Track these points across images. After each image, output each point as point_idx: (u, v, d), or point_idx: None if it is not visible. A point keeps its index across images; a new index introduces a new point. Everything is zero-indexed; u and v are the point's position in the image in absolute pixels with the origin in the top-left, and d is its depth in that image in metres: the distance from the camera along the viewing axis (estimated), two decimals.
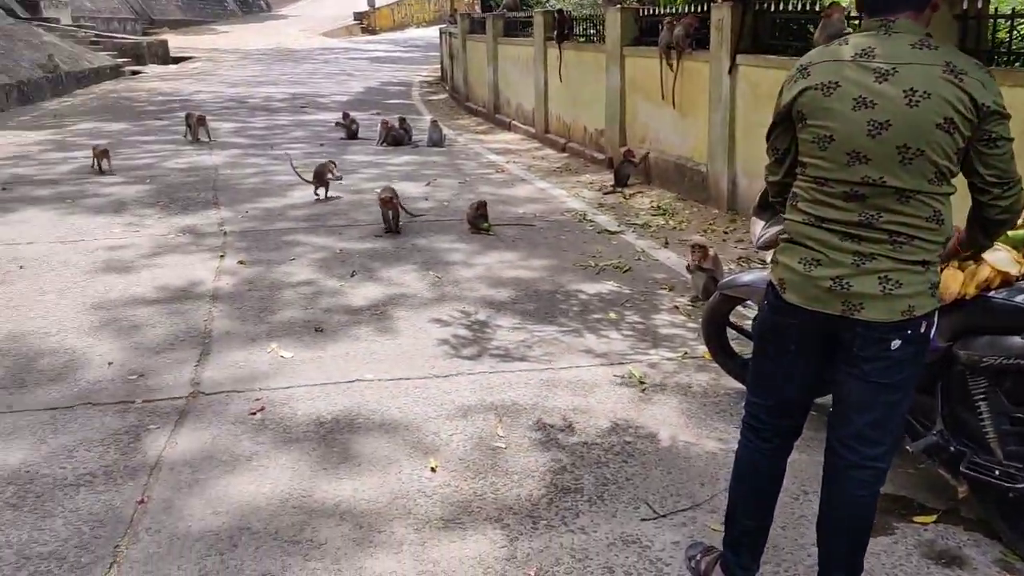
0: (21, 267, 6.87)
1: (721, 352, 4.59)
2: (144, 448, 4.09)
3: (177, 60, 30.04)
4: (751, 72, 8.05)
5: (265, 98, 19.77)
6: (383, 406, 4.48)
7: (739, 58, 8.18)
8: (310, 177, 9.42)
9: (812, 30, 7.83)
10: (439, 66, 25.77)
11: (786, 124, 2.67)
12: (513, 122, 15.36)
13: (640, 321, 5.75)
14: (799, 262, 2.59)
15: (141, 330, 5.58)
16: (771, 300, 2.73)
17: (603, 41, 11.24)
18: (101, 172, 10.81)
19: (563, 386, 4.72)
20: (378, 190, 8.28)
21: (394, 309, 5.95)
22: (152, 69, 27.28)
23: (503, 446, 4.07)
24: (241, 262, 7.01)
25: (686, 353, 5.18)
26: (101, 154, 10.90)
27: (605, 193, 9.74)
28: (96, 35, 28.81)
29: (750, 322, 4.61)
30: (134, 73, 26.24)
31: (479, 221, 7.92)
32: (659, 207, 9.04)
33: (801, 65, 2.62)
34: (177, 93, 20.77)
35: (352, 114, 14.58)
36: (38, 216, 8.62)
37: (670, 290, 6.33)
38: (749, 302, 4.53)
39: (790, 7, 8.08)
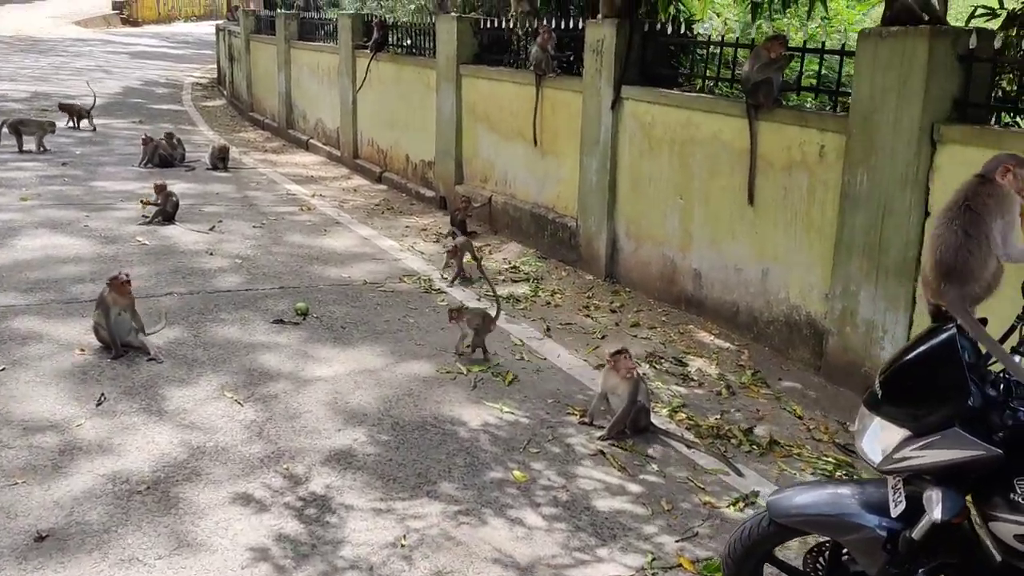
0: None
1: None
2: None
3: None
4: (643, 109, 6.40)
5: None
6: None
7: (625, 90, 6.51)
8: None
9: (711, 60, 6.33)
10: (215, 67, 22.73)
11: None
12: (311, 141, 13.03)
13: (560, 483, 3.85)
14: None
15: None
16: None
17: (433, 55, 9.28)
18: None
19: None
20: None
21: (167, 474, 3.68)
22: None
23: None
24: None
25: (654, 560, 3.33)
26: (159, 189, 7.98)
27: (447, 248, 7.76)
28: None
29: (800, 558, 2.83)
30: None
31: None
32: (517, 268, 7.20)
33: None
34: None
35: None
36: None
37: (581, 417, 4.48)
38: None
39: (690, 32, 6.53)
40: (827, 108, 5.53)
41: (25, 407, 4.22)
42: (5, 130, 10.88)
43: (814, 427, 4.59)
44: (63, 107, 13.20)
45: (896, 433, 2.13)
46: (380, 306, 6.02)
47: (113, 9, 40.41)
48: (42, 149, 10.95)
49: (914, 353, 2.22)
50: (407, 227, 8.47)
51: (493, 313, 5.27)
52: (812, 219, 5.17)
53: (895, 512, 2.24)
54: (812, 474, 4.10)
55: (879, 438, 2.18)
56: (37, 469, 3.68)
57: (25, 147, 10.89)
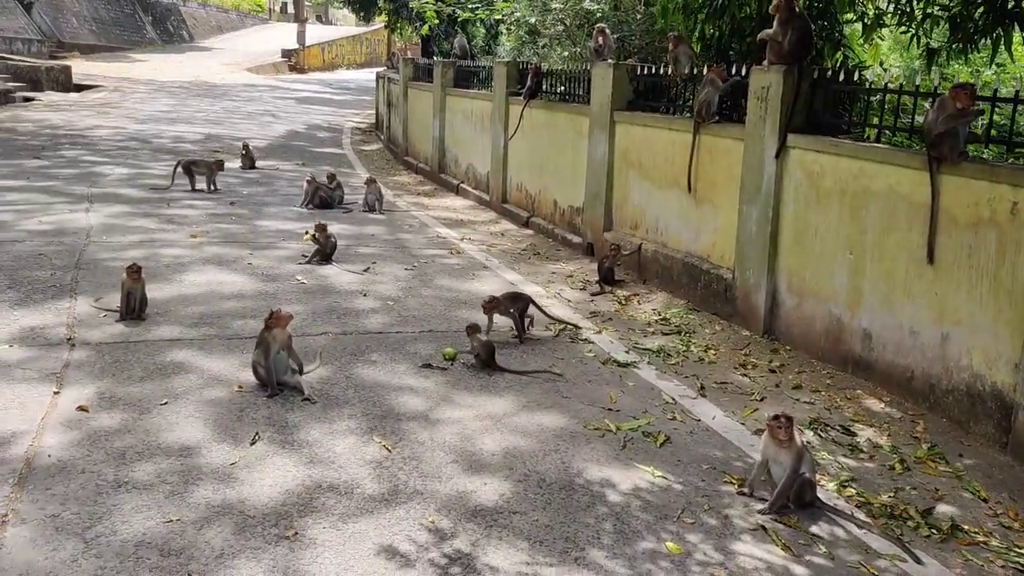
0: None
1: None
2: None
3: (81, 88, 27.13)
4: (810, 158, 6.09)
5: (175, 138, 17.23)
6: None
7: (791, 138, 6.22)
8: None
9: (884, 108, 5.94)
10: (373, 112, 23.66)
11: None
12: (462, 185, 13.24)
13: (718, 559, 3.58)
14: None
15: None
16: None
17: (586, 102, 9.24)
18: None
19: None
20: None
21: (314, 520, 3.65)
22: (49, 96, 24.35)
23: None
24: (83, 408, 4.62)
25: None
26: (320, 229, 8.12)
27: (592, 294, 7.62)
28: None
29: None
30: (27, 100, 23.30)
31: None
32: (667, 319, 6.95)
33: None
34: (70, 126, 18.04)
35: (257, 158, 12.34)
36: None
37: (739, 487, 4.19)
38: None
39: (862, 79, 6.18)
40: (1005, 158, 5.07)
41: (183, 441, 4.32)
42: (179, 170, 11.58)
43: (1001, 512, 4.13)
44: (245, 149, 14.01)
45: None
46: (526, 354, 5.91)
47: (282, 57, 42.98)
48: (212, 188, 11.57)
49: None
50: (553, 273, 8.38)
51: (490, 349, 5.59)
52: (1001, 281, 4.72)
53: None
54: (1002, 567, 3.67)
55: None
56: (192, 507, 3.73)
57: (197, 186, 11.54)
